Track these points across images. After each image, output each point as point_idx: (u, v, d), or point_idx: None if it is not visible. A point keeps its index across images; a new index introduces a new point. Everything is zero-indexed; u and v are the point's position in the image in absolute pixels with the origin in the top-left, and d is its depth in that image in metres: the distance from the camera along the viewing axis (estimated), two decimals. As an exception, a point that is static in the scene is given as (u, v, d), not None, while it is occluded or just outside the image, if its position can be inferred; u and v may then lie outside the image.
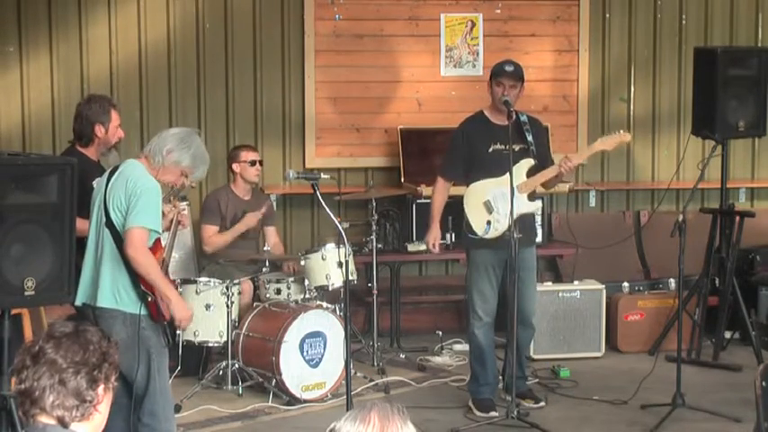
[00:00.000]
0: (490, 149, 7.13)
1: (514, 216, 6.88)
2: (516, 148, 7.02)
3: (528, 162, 7.07)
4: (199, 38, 9.10)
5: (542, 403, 7.29)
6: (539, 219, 8.89)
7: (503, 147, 7.06)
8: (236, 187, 8.27)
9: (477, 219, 7.14)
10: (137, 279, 5.37)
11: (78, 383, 3.04)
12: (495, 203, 7.06)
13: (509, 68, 7.12)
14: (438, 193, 7.36)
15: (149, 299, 5.36)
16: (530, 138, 7.07)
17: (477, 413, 7.13)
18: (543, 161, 7.15)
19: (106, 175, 5.56)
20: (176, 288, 7.38)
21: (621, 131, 7.30)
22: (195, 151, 5.55)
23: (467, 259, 7.40)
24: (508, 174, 6.89)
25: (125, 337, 5.30)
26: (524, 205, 7.06)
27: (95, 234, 5.48)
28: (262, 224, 8.36)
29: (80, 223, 5.44)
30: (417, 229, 8.92)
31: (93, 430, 3.11)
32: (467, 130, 7.26)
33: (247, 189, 8.29)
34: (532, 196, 7.20)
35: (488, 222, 7.10)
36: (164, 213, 5.60)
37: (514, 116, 7.03)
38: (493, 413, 7.05)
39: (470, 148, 7.18)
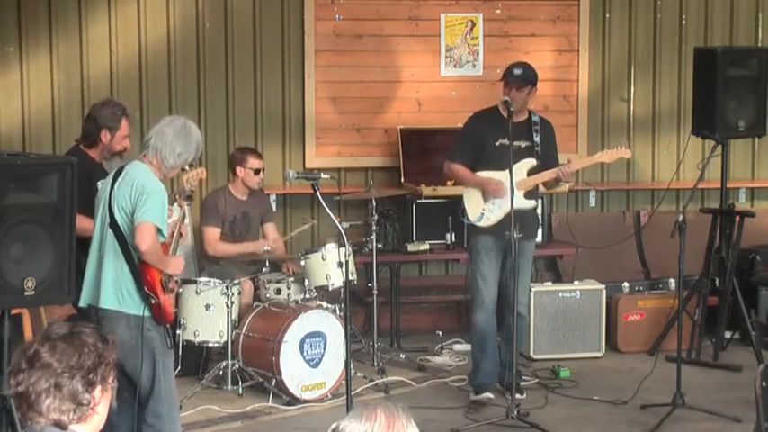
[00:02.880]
0: (497, 143, 7.31)
1: (508, 210, 7.09)
2: (523, 145, 7.28)
3: (530, 162, 7.30)
4: (199, 38, 9.09)
5: (519, 395, 7.18)
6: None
7: (509, 143, 7.23)
8: (234, 188, 8.25)
9: (472, 205, 7.37)
10: (140, 281, 5.37)
11: (74, 387, 3.02)
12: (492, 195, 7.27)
13: (517, 72, 7.33)
14: (460, 168, 7.38)
15: (152, 301, 5.37)
16: (537, 138, 7.30)
17: (472, 396, 7.34)
18: (546, 162, 7.34)
19: (111, 175, 5.57)
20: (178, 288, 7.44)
21: (624, 147, 7.67)
22: (196, 140, 5.59)
23: (468, 245, 7.63)
24: (509, 170, 7.09)
25: (128, 339, 5.31)
26: (519, 202, 7.20)
27: (99, 235, 5.49)
28: (261, 221, 8.37)
29: (85, 221, 5.45)
30: (417, 229, 8.93)
31: (91, 431, 3.11)
32: (480, 121, 7.46)
33: (245, 190, 8.28)
34: (532, 195, 7.38)
35: (482, 211, 7.32)
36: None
37: (527, 115, 7.36)
38: (487, 394, 7.27)
39: (480, 138, 7.36)
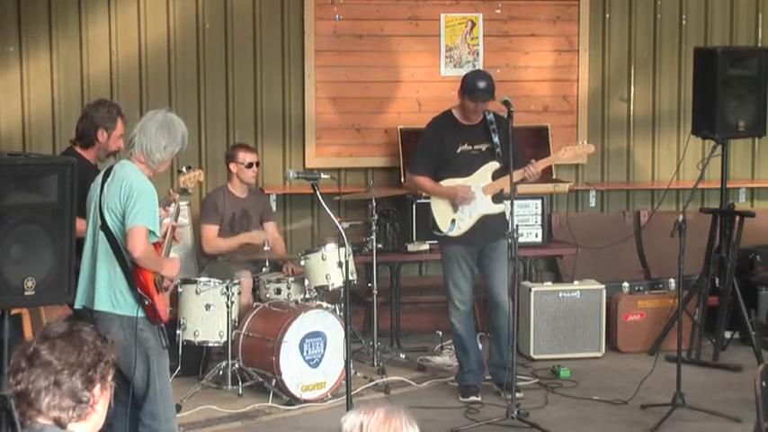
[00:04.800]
0: (458, 150, 7.29)
1: (478, 217, 7.23)
2: (483, 148, 7.24)
3: (493, 165, 7.25)
4: (199, 38, 9.10)
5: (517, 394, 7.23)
6: (537, 218, 8.99)
7: (470, 147, 7.27)
8: (232, 186, 8.26)
9: (442, 216, 7.36)
10: (133, 282, 5.37)
11: (73, 384, 3.03)
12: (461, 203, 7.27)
13: (482, 85, 7.17)
14: (425, 180, 7.38)
15: (146, 302, 5.37)
16: (496, 139, 7.20)
17: (460, 398, 7.38)
18: (511, 161, 7.12)
19: (100, 177, 5.55)
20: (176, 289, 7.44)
21: (586, 143, 7.66)
22: (181, 132, 5.57)
23: (441, 253, 7.59)
24: (475, 174, 7.20)
25: (123, 340, 5.30)
26: (488, 207, 7.28)
27: (92, 237, 5.48)
28: (261, 220, 8.37)
29: (79, 224, 5.45)
30: (417, 229, 8.92)
31: (90, 429, 3.11)
32: (437, 128, 7.39)
33: (244, 188, 8.28)
34: (499, 198, 7.32)
35: (453, 221, 7.32)
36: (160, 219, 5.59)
37: (482, 116, 7.24)
38: (473, 398, 7.33)
39: (439, 147, 7.31)
